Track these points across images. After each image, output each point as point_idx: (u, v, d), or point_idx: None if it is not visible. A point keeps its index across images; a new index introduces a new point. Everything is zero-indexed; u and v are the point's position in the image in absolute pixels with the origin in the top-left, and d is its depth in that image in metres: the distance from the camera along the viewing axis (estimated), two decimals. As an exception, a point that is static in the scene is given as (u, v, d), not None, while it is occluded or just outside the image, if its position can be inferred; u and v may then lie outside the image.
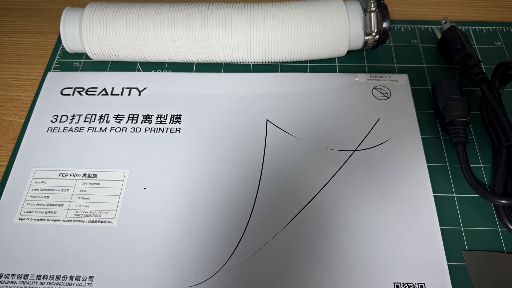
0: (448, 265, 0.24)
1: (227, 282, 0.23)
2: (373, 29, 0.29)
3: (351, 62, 0.32)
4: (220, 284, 0.23)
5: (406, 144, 0.28)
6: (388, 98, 0.30)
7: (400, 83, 0.31)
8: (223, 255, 0.24)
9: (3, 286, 0.23)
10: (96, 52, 0.31)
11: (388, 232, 0.25)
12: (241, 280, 0.23)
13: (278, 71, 0.32)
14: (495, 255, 0.24)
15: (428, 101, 0.30)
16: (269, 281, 0.23)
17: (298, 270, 0.23)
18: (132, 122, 0.29)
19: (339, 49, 0.30)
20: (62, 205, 0.26)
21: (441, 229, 0.25)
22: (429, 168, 0.27)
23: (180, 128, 0.29)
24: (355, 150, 0.28)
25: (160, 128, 0.29)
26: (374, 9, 0.28)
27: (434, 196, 0.26)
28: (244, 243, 0.24)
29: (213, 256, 0.24)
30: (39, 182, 0.27)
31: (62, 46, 0.34)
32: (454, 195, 0.26)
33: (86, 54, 0.33)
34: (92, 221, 0.25)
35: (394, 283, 0.23)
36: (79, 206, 0.26)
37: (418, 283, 0.23)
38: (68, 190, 0.26)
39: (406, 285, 0.23)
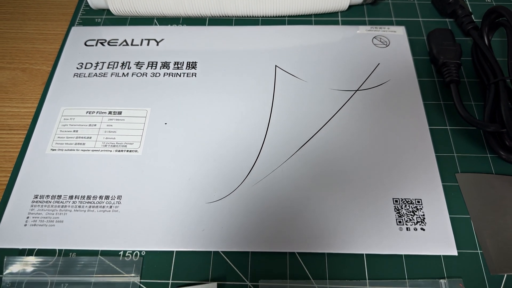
0: (442, 185, 0.26)
1: (243, 199, 0.26)
2: (372, -18, 0.32)
3: (352, 16, 0.35)
4: (237, 200, 0.26)
5: (403, 85, 0.30)
6: (387, 46, 0.32)
7: (398, 33, 0.33)
8: (238, 177, 0.26)
9: (39, 205, 0.26)
10: (117, 7, 0.33)
11: (387, 158, 0.27)
12: (256, 197, 0.26)
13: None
14: (485, 176, 0.27)
15: (424, 51, 0.33)
16: (281, 198, 0.26)
17: (306, 190, 0.26)
18: (151, 68, 0.32)
19: (341, 2, 0.33)
20: (90, 137, 0.28)
21: (436, 155, 0.27)
22: (425, 105, 0.30)
23: (196, 73, 0.31)
24: (357, 90, 0.30)
25: (177, 73, 0.31)
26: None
27: (430, 128, 0.28)
28: (257, 167, 0.27)
29: (229, 178, 0.26)
30: (68, 119, 0.29)
31: (85, 4, 0.36)
32: (448, 127, 0.29)
33: (107, 10, 0.35)
34: (119, 150, 0.28)
35: (393, 198, 0.26)
36: (106, 138, 0.28)
37: (415, 199, 0.26)
38: (95, 125, 0.29)
39: (404, 200, 0.25)
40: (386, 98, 0.30)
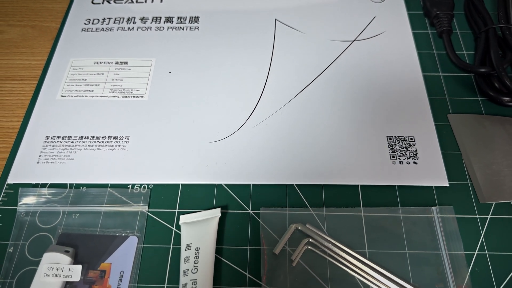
0: (435, 124, 0.27)
1: (245, 138, 0.27)
2: None
3: (349, -25, 0.36)
4: (239, 139, 0.27)
5: (398, 36, 0.31)
6: (383, 1, 0.34)
7: (393, -10, 0.34)
8: (240, 120, 0.28)
9: (50, 145, 0.27)
10: (122, -34, 0.34)
11: (382, 100, 0.28)
12: (257, 136, 0.27)
13: (284, -16, 0.35)
14: (475, 117, 0.28)
15: (418, 7, 0.34)
16: (280, 137, 0.27)
17: (304, 129, 0.27)
18: (156, 23, 0.33)
19: (339, -40, 0.34)
20: (98, 85, 0.30)
21: (428, 98, 0.29)
22: (419, 54, 0.31)
23: (198, 27, 0.33)
24: (354, 40, 0.31)
25: (181, 27, 0.33)
26: None
27: (423, 75, 0.30)
28: (258, 110, 0.28)
29: (231, 120, 0.28)
30: (76, 69, 0.31)
31: (90, -34, 0.37)
32: (440, 74, 0.30)
33: (113, -29, 0.37)
34: (126, 96, 0.29)
35: (387, 136, 0.27)
36: (114, 85, 0.30)
37: (408, 136, 0.27)
38: (103, 74, 0.30)
39: (397, 137, 0.27)
40: (381, 47, 0.31)
